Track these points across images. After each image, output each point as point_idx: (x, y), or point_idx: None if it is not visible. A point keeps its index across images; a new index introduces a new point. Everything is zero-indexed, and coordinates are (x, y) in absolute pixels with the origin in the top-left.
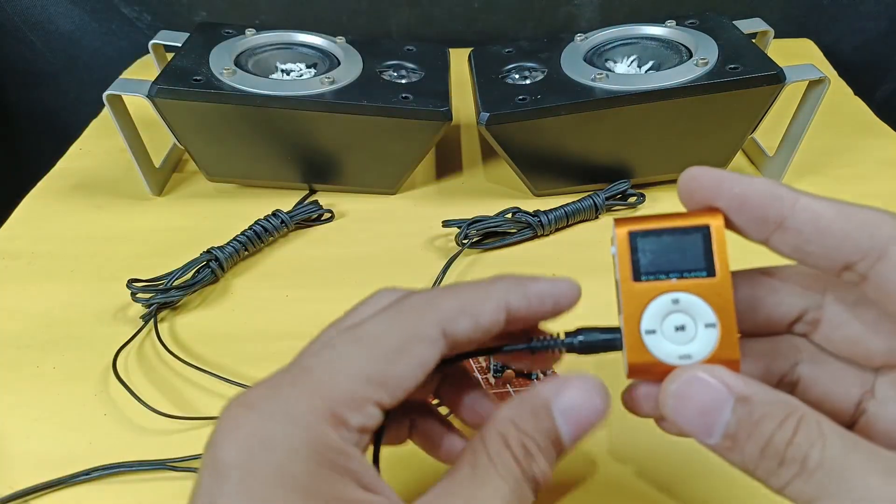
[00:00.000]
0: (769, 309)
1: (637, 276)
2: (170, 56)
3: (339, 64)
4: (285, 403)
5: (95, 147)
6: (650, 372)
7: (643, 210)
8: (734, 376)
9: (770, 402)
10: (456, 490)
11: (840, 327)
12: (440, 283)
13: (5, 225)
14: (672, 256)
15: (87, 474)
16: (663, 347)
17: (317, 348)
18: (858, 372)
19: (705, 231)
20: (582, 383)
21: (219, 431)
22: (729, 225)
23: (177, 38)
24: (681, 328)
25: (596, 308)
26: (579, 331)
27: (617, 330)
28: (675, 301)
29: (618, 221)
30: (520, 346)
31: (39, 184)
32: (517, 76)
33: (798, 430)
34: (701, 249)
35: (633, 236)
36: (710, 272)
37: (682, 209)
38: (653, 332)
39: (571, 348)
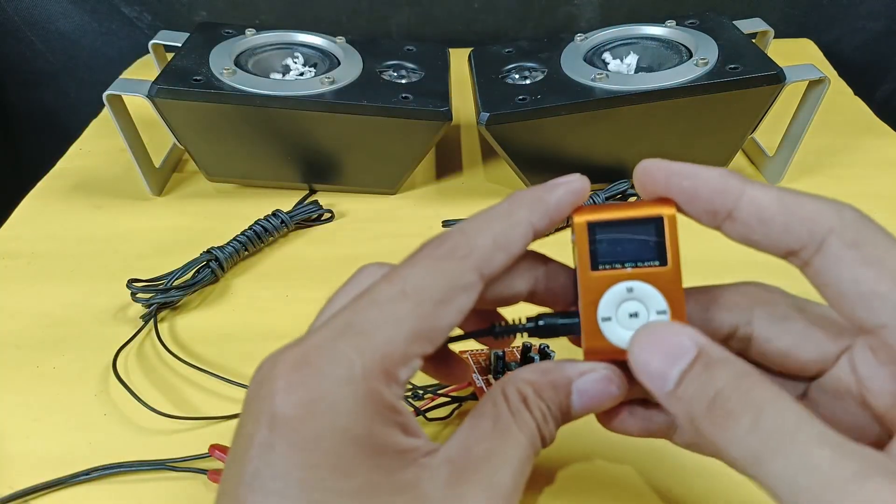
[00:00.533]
0: (700, 327)
1: (594, 265)
2: (170, 56)
3: (339, 64)
4: (343, 362)
5: (95, 147)
6: (606, 354)
7: None
8: (701, 335)
9: (727, 360)
10: (480, 440)
11: (770, 341)
12: None
13: (5, 225)
14: (627, 246)
15: (87, 474)
16: (618, 333)
17: (362, 304)
18: (793, 382)
19: (658, 222)
20: (604, 371)
21: (276, 386)
22: (682, 212)
23: (177, 38)
24: (634, 315)
25: None
26: (540, 316)
27: (574, 314)
28: (630, 289)
29: (576, 210)
30: (484, 332)
31: (39, 184)
32: (517, 76)
33: (751, 388)
34: (654, 239)
35: (590, 226)
36: (663, 261)
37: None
38: (608, 319)
39: (533, 332)
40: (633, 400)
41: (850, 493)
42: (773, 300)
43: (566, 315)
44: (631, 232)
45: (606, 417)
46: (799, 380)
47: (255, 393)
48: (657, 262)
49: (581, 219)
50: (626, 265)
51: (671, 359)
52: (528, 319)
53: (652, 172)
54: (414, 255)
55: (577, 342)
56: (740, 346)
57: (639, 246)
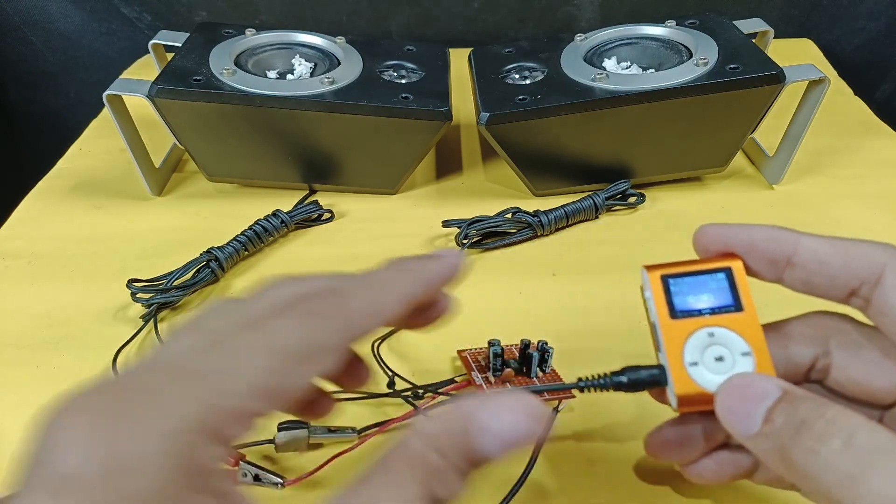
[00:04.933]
0: (785, 363)
1: (673, 314)
2: (170, 56)
3: (339, 64)
4: (159, 412)
5: (95, 147)
6: (697, 401)
7: (643, 210)
8: (782, 380)
9: (809, 396)
10: (361, 490)
11: (846, 370)
12: None
13: (5, 225)
14: (702, 295)
15: None
16: (707, 378)
17: (205, 345)
18: (868, 410)
19: (728, 271)
20: (509, 401)
21: (70, 438)
22: (746, 269)
23: (177, 38)
24: (720, 359)
25: (596, 307)
26: (624, 370)
27: (658, 367)
28: (711, 335)
29: (647, 268)
30: (569, 385)
31: (39, 184)
32: (517, 76)
33: (837, 414)
34: (727, 288)
35: (664, 279)
36: (738, 307)
37: (682, 212)
38: (695, 363)
39: (619, 386)
40: (715, 446)
41: None
42: (845, 328)
43: (649, 367)
44: (704, 282)
45: (689, 468)
46: (874, 408)
47: (40, 444)
48: (733, 308)
49: (654, 273)
50: (704, 313)
51: (757, 400)
52: (613, 373)
53: (710, 234)
54: (285, 307)
55: (659, 396)
56: (819, 376)
57: (713, 295)
